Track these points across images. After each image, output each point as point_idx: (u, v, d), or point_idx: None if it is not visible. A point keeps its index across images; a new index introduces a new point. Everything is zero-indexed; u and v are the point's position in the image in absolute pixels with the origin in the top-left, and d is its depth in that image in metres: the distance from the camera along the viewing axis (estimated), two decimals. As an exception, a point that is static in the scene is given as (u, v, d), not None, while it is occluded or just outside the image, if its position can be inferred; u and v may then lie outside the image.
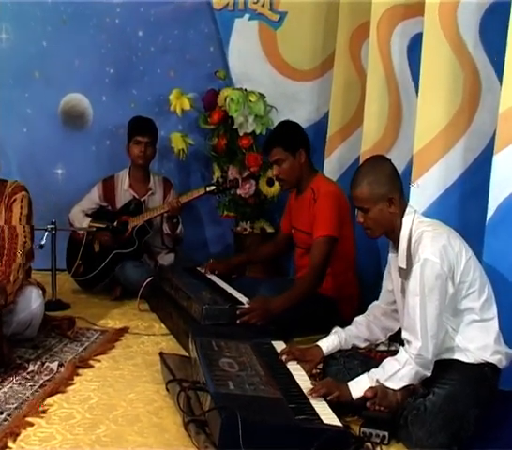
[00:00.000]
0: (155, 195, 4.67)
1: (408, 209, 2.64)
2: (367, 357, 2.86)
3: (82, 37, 4.99)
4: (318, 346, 2.89)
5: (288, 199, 4.03)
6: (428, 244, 2.48)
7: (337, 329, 2.92)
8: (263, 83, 4.83)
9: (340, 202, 3.65)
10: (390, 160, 2.72)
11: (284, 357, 2.88)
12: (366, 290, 3.77)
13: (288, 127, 3.82)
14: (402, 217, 2.61)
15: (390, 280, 2.81)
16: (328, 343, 2.88)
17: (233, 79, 4.93)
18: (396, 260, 2.66)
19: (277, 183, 4.51)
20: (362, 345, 2.90)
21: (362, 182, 2.62)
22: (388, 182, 2.61)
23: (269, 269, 4.56)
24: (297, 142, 3.71)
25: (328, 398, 2.50)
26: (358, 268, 3.85)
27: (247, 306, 3.39)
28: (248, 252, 4.55)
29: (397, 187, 2.63)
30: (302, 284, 3.51)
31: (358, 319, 2.93)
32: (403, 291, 2.67)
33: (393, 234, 2.65)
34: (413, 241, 2.55)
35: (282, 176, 3.74)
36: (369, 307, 2.93)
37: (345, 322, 3.12)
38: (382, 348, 2.97)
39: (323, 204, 3.61)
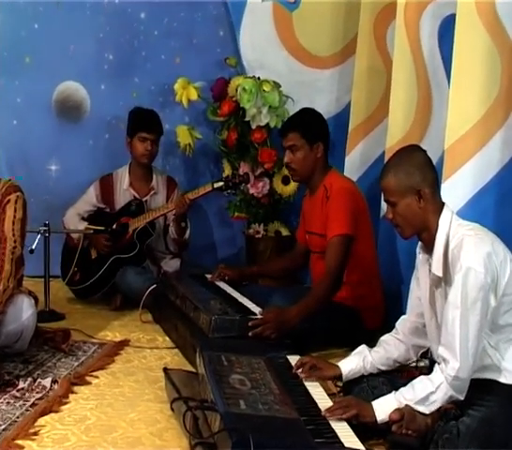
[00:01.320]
0: (157, 195, 4.67)
1: (445, 208, 2.58)
2: (392, 375, 2.84)
3: (78, 20, 5.02)
4: (338, 367, 2.83)
5: (302, 204, 4.03)
6: (471, 250, 2.43)
7: (362, 349, 2.85)
8: (277, 71, 4.84)
9: (356, 199, 3.66)
10: (424, 151, 2.67)
11: (299, 371, 2.84)
12: (388, 298, 3.76)
13: (312, 114, 3.83)
14: (437, 216, 2.56)
15: (418, 287, 2.76)
16: (351, 366, 2.80)
17: (244, 66, 4.94)
18: (426, 262, 2.63)
19: (292, 181, 4.53)
20: (391, 368, 2.83)
21: (389, 172, 2.60)
22: (418, 173, 2.56)
23: (284, 276, 4.55)
24: (318, 134, 3.72)
25: (344, 416, 2.47)
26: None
27: (259, 317, 3.39)
28: (260, 264, 4.55)
29: (429, 179, 2.57)
30: (318, 291, 3.50)
31: (385, 338, 2.87)
32: (433, 300, 2.64)
33: (426, 235, 2.60)
34: (451, 247, 2.50)
35: (294, 165, 3.74)
36: (397, 324, 2.88)
37: (369, 335, 3.10)
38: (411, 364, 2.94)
39: (337, 201, 3.61)
